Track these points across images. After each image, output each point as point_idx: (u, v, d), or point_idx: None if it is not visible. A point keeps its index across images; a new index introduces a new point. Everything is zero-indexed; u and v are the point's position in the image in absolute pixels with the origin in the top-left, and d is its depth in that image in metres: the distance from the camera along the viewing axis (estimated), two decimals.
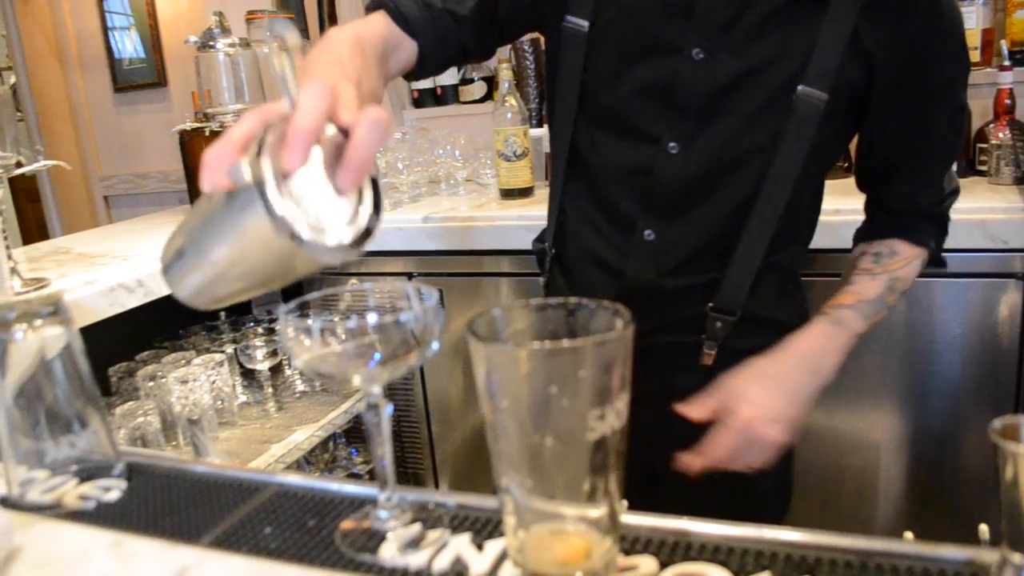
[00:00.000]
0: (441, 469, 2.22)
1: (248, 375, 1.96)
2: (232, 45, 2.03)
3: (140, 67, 3.39)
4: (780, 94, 1.02)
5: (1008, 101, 1.92)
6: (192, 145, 2.24)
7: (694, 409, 1.04)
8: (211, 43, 2.03)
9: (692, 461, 1.05)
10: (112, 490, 0.73)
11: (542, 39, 2.46)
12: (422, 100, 2.80)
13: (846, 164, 1.94)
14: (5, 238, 1.46)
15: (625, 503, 0.53)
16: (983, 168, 1.95)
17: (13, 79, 3.69)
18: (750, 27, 1.01)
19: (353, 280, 0.60)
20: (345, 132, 0.60)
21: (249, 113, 0.60)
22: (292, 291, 0.60)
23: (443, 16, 1.10)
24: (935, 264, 1.18)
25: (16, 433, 0.71)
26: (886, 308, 1.14)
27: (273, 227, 0.55)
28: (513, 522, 0.50)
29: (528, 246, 1.33)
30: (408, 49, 1.07)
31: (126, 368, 1.78)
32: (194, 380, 1.63)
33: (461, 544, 0.60)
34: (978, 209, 1.62)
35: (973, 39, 2.05)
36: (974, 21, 2.05)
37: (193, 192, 2.35)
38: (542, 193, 2.14)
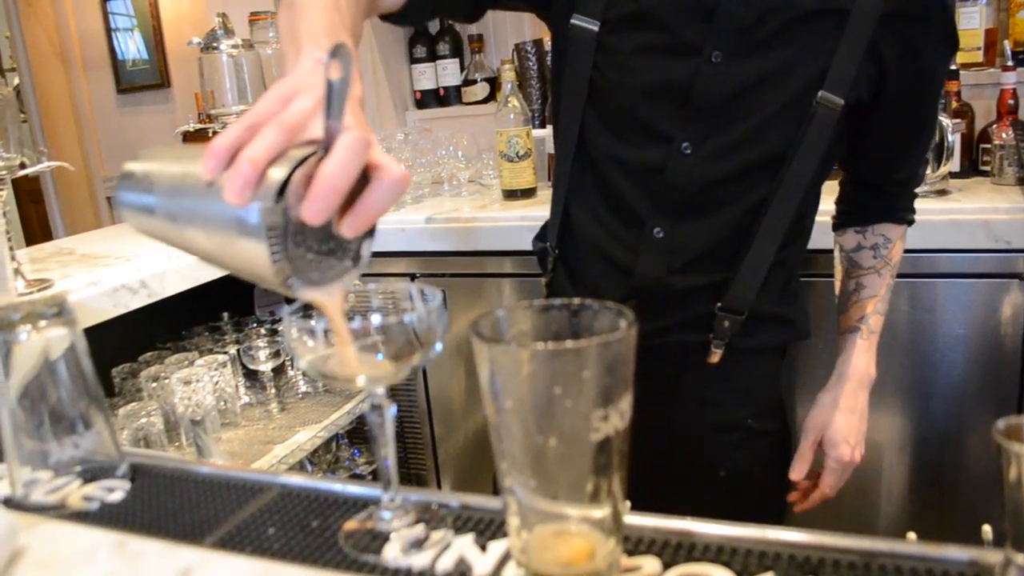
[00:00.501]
0: (444, 470, 2.22)
1: (251, 376, 1.96)
2: (235, 46, 2.03)
3: (143, 68, 3.39)
4: (795, 100, 1.03)
5: (1011, 101, 1.92)
6: None
7: (798, 471, 1.21)
8: (214, 44, 2.03)
9: (807, 504, 1.23)
10: (116, 491, 0.73)
11: (544, 40, 2.47)
12: (425, 101, 2.81)
13: None
14: (9, 239, 1.46)
15: (628, 504, 0.53)
16: (986, 168, 1.95)
17: (17, 80, 3.70)
18: (770, 33, 1.01)
19: (356, 281, 0.60)
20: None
21: (273, 126, 0.57)
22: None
23: None
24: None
25: (20, 434, 0.71)
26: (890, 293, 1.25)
27: (270, 270, 0.55)
28: (516, 523, 0.50)
29: (531, 247, 1.33)
30: None
31: (129, 369, 1.78)
32: (197, 381, 1.63)
33: (464, 545, 0.60)
34: (981, 209, 1.62)
35: (976, 39, 2.05)
36: (977, 21, 2.05)
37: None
38: (545, 194, 2.14)
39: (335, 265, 0.61)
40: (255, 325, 1.99)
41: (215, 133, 2.14)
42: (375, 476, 2.04)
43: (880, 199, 1.23)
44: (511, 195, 2.19)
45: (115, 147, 3.47)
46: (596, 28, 1.08)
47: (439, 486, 2.23)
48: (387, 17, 1.08)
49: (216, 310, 2.04)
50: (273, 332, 1.93)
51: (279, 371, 1.97)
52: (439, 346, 0.61)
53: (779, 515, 1.25)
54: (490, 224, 1.99)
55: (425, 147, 2.44)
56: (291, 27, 0.75)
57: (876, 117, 1.09)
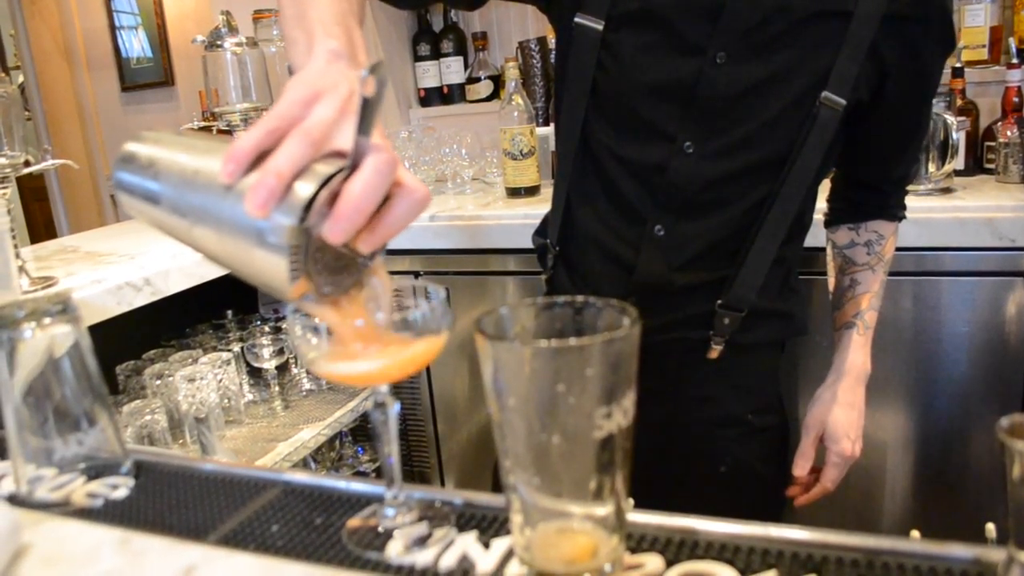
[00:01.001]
0: (447, 467, 2.22)
1: (255, 373, 1.96)
2: (239, 44, 2.03)
3: (147, 66, 3.40)
4: (798, 101, 1.04)
5: (1016, 99, 1.92)
6: None
7: (801, 468, 1.23)
8: (218, 42, 2.03)
9: (807, 498, 1.24)
10: (120, 488, 0.73)
11: (548, 38, 2.47)
12: (428, 99, 2.81)
13: None
14: (13, 237, 1.47)
15: (631, 501, 0.53)
16: (991, 166, 1.94)
17: (21, 78, 3.71)
18: (774, 34, 1.02)
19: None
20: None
21: (299, 138, 0.56)
22: None
23: None
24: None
25: (24, 431, 0.71)
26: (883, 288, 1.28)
27: (288, 286, 0.55)
28: (520, 520, 0.50)
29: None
30: None
31: (133, 366, 1.79)
32: (201, 378, 1.63)
33: (467, 542, 0.60)
34: (986, 207, 1.62)
35: (981, 37, 2.05)
36: (982, 19, 2.04)
37: None
38: (548, 192, 2.13)
39: (346, 278, 0.61)
40: (259, 323, 1.99)
41: (219, 131, 2.14)
42: (379, 474, 2.05)
43: (874, 197, 1.24)
44: (515, 193, 2.19)
45: (119, 145, 3.47)
46: (600, 27, 1.08)
47: (442, 484, 2.23)
48: None
49: (220, 308, 2.05)
50: (277, 330, 1.93)
51: (283, 369, 1.97)
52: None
53: (779, 508, 1.26)
54: (494, 222, 1.99)
55: (429, 145, 2.44)
56: (299, 12, 0.74)
57: (874, 117, 1.11)
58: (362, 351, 0.58)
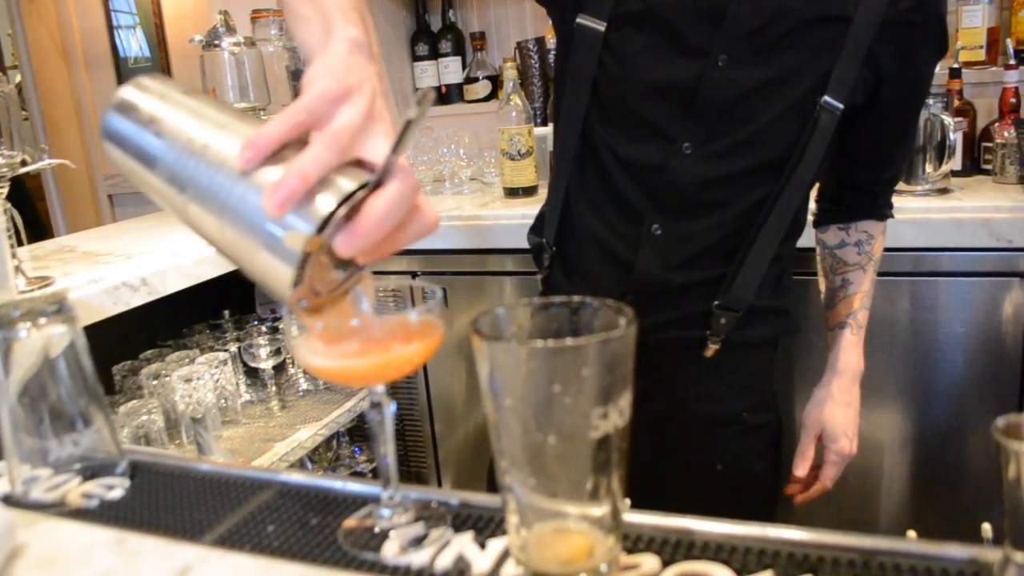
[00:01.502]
0: (444, 467, 2.22)
1: (251, 373, 1.96)
2: (237, 44, 2.03)
3: (145, 66, 3.39)
4: (797, 105, 1.05)
5: (1013, 100, 1.92)
6: None
7: (801, 468, 1.24)
8: (216, 42, 2.03)
9: (807, 496, 1.26)
10: (115, 488, 0.73)
11: (546, 38, 2.47)
12: None
13: None
14: (10, 236, 1.46)
15: (628, 501, 0.53)
16: (988, 167, 1.95)
17: (19, 78, 3.70)
18: (776, 38, 1.03)
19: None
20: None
21: (327, 142, 0.54)
22: None
23: None
24: None
25: (20, 431, 0.71)
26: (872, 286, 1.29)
27: (287, 291, 0.54)
28: (516, 520, 0.50)
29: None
30: None
31: (130, 366, 1.78)
32: (198, 378, 1.63)
33: (464, 542, 0.60)
34: (983, 208, 1.62)
35: (978, 38, 2.05)
36: (979, 20, 2.04)
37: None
38: (546, 192, 2.14)
39: (335, 285, 0.60)
40: (256, 323, 1.99)
41: None
42: (375, 474, 2.05)
43: (865, 197, 1.25)
44: (512, 193, 2.19)
45: None
46: (602, 28, 1.08)
47: (439, 484, 2.23)
48: None
49: (217, 308, 2.05)
50: (274, 330, 1.93)
51: (280, 369, 1.97)
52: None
53: (774, 505, 1.27)
54: (491, 222, 1.99)
55: (427, 145, 2.43)
56: None
57: (867, 120, 1.12)
58: (358, 350, 0.58)
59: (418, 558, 0.58)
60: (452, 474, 2.22)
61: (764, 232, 1.10)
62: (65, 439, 0.72)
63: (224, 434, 1.77)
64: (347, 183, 0.54)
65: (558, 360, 0.46)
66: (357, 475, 2.09)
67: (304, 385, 2.02)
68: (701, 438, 1.21)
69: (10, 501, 0.72)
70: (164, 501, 0.71)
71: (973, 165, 2.00)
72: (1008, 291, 1.59)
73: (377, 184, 0.55)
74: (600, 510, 0.49)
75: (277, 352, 1.89)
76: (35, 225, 3.75)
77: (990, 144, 1.93)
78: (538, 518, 0.50)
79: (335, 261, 0.58)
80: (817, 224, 1.31)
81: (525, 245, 1.32)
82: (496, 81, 2.69)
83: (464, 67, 2.76)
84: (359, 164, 0.57)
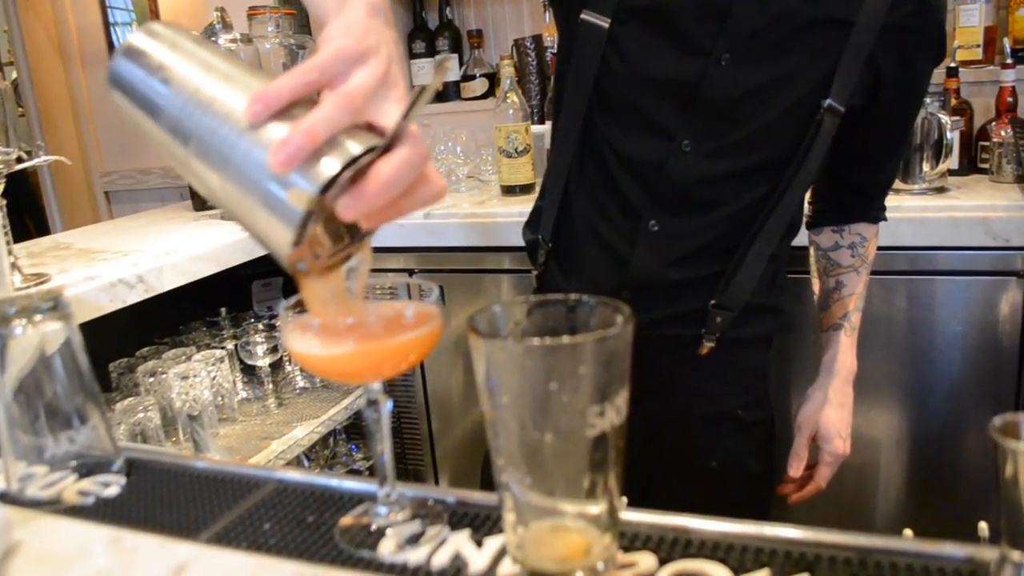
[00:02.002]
0: (441, 465, 2.22)
1: (248, 371, 1.96)
2: (234, 41, 2.03)
3: None
4: (797, 106, 1.05)
5: (1010, 99, 1.92)
6: None
7: (796, 468, 1.26)
8: (213, 39, 2.03)
9: (801, 495, 1.27)
10: (111, 486, 0.73)
11: (544, 36, 2.47)
12: None
13: None
14: (6, 233, 1.46)
15: (625, 500, 0.53)
16: (985, 166, 1.95)
17: (15, 74, 3.69)
18: (778, 39, 1.03)
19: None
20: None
21: (339, 102, 0.53)
22: (292, 287, 0.59)
23: None
24: None
25: (15, 428, 0.71)
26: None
27: (286, 251, 0.53)
28: (512, 518, 0.50)
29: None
30: None
31: (126, 364, 1.78)
32: (194, 376, 1.63)
33: (460, 540, 0.60)
34: (979, 207, 1.62)
35: (975, 37, 2.05)
36: (976, 19, 2.05)
37: (195, 191, 2.34)
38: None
39: (335, 249, 0.59)
40: (253, 320, 1.99)
41: None
42: (372, 472, 2.05)
43: (859, 200, 1.26)
44: (510, 191, 2.19)
45: (113, 141, 3.46)
46: (606, 24, 1.08)
47: (436, 482, 2.23)
48: None
49: (214, 305, 2.04)
50: (271, 327, 1.93)
51: (277, 366, 1.97)
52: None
53: (768, 502, 1.27)
54: (488, 220, 1.99)
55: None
56: None
57: (865, 123, 1.13)
58: (354, 346, 0.58)
59: (414, 556, 0.58)
60: (449, 472, 2.22)
61: (763, 232, 1.10)
62: (61, 436, 0.72)
63: (221, 432, 1.77)
64: (355, 146, 0.53)
65: (555, 358, 0.46)
66: (354, 473, 2.09)
67: (301, 383, 2.02)
68: (695, 435, 1.21)
69: (6, 498, 0.72)
70: (160, 499, 0.71)
71: (970, 164, 2.00)
72: (1005, 290, 1.60)
73: (386, 149, 0.54)
74: (597, 508, 0.49)
75: (274, 350, 1.89)
76: (39, 222, 3.74)
77: (987, 143, 1.93)
78: (535, 516, 0.50)
79: (337, 224, 0.56)
80: (811, 226, 1.31)
81: (522, 243, 1.32)
82: (493, 79, 2.68)
83: (461, 64, 2.76)
84: (369, 128, 0.56)
